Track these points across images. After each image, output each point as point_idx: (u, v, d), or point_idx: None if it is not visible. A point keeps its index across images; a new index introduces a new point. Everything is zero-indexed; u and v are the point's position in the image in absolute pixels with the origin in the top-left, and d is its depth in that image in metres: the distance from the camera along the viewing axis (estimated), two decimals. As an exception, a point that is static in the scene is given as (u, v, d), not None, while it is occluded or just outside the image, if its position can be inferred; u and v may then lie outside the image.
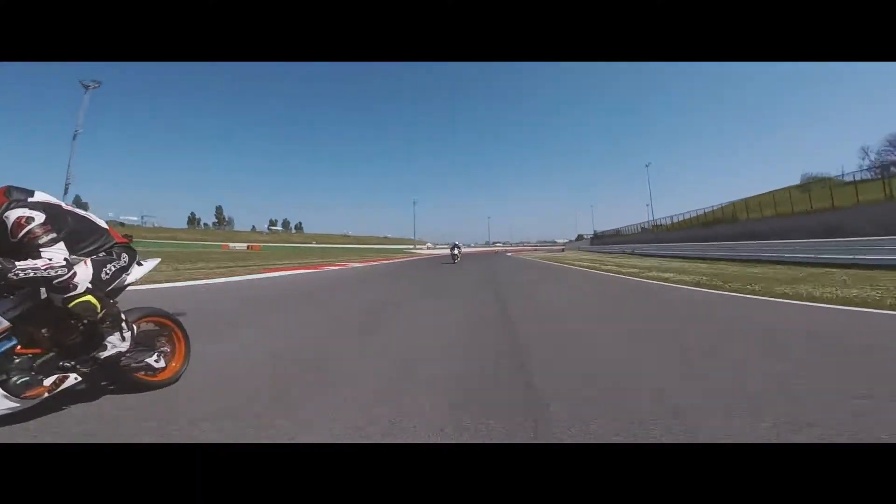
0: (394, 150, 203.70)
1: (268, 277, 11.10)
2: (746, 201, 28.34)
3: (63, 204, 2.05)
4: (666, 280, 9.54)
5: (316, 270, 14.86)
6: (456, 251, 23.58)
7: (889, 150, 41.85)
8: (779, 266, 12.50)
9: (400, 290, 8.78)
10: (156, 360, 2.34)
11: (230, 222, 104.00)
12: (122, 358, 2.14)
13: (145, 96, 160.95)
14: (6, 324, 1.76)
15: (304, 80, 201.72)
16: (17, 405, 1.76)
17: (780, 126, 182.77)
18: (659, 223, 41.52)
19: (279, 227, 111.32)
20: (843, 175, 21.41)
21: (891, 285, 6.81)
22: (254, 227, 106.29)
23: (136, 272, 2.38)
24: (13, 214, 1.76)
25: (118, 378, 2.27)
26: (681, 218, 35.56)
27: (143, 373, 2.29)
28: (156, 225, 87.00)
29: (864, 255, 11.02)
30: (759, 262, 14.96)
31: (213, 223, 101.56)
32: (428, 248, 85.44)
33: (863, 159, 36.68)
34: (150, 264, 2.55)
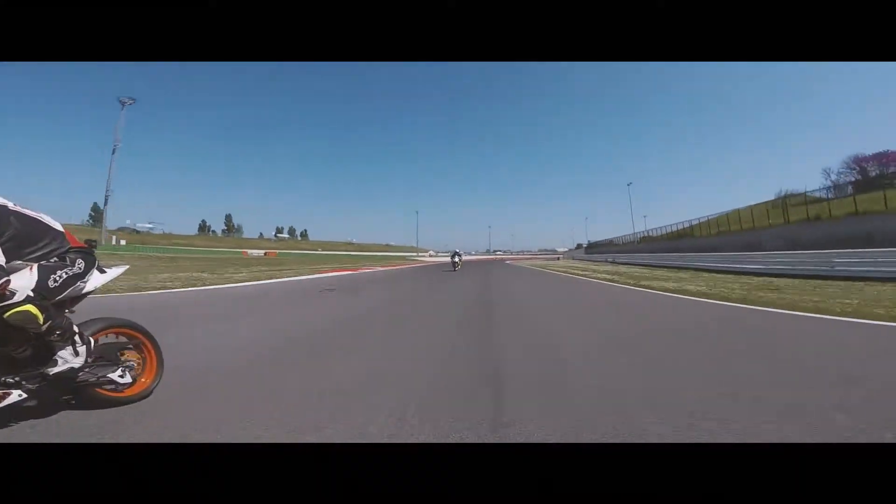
0: (397, 153, 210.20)
1: (336, 276, 16.23)
2: (710, 219, 33.31)
3: (10, 204, 1.82)
4: (598, 278, 14.65)
5: (357, 272, 20.06)
6: (456, 259, 22.88)
7: (846, 171, 46.86)
8: (700, 272, 17.36)
9: (427, 282, 14.09)
10: (120, 376, 2.13)
11: (239, 229, 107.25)
12: (80, 374, 1.97)
13: (145, 102, 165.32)
14: None
15: (323, 95, 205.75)
16: None
17: (782, 131, 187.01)
18: (649, 234, 45.46)
19: (286, 235, 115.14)
20: (805, 192, 23.41)
21: (717, 283, 11.92)
22: (261, 234, 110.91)
23: (95, 279, 2.15)
24: None
25: (77, 395, 2.08)
26: (661, 232, 40.68)
27: (106, 388, 2.10)
28: (165, 232, 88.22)
29: (739, 264, 16.24)
30: (688, 269, 19.96)
31: (223, 230, 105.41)
32: (430, 256, 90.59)
33: (826, 179, 41.56)
34: (114, 272, 2.33)
